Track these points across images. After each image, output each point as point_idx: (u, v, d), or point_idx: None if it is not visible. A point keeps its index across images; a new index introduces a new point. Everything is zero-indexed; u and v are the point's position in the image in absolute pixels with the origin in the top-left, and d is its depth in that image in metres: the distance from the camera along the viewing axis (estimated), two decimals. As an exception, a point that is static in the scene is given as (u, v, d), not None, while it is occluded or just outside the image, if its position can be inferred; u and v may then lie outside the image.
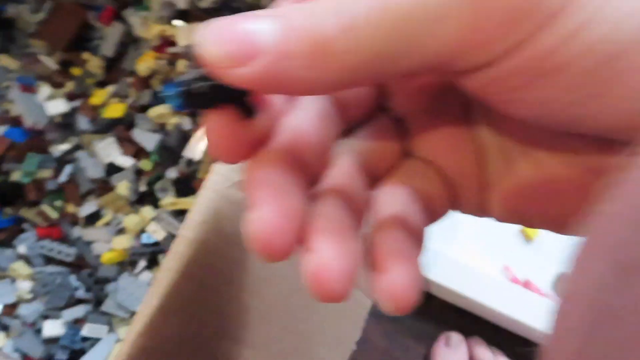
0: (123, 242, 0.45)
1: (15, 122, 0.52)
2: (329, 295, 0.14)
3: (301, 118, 0.16)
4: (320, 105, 0.17)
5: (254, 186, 0.15)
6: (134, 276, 0.44)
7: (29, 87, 0.55)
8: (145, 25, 0.59)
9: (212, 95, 0.14)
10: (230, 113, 0.15)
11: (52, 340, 0.42)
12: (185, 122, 0.53)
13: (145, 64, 0.56)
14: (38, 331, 0.42)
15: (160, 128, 0.51)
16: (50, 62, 0.57)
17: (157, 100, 0.54)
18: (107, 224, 0.47)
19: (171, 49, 0.57)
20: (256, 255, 0.15)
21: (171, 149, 0.50)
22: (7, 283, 0.44)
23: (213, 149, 0.15)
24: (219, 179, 0.31)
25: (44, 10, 0.61)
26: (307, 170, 0.16)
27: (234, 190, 0.30)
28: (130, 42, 0.59)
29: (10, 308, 0.43)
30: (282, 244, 0.14)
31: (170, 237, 0.46)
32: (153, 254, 0.46)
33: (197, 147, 0.51)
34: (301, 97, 0.17)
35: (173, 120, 0.53)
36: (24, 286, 0.44)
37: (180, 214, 0.47)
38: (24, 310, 0.43)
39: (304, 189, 0.15)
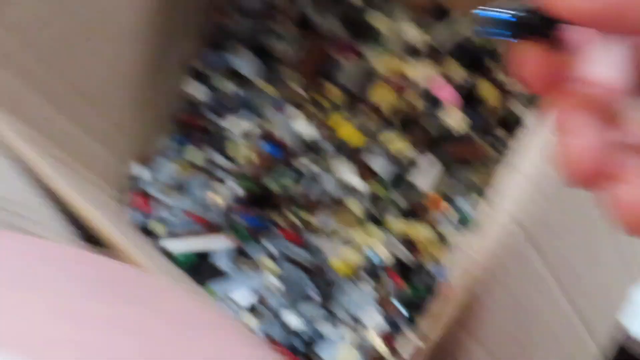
0: (351, 256, 0.50)
1: (271, 138, 0.61)
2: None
3: (603, 65, 0.17)
4: (621, 57, 0.18)
5: (563, 117, 0.17)
6: (359, 287, 0.49)
7: (280, 109, 0.64)
8: (381, 61, 0.65)
9: (528, 24, 0.16)
10: (542, 44, 0.17)
11: (293, 331, 0.48)
12: (413, 153, 0.57)
13: (380, 96, 0.62)
14: (281, 320, 0.49)
15: (392, 157, 0.56)
16: (299, 89, 0.66)
17: (389, 129, 0.58)
18: (340, 237, 0.53)
19: (404, 84, 0.61)
20: (564, 178, 0.16)
21: (401, 177, 0.54)
22: (259, 274, 0.52)
23: (520, 76, 0.17)
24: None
25: (297, 43, 0.70)
26: (604, 114, 0.17)
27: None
28: (367, 75, 0.65)
29: (262, 298, 0.51)
30: (588, 167, 0.16)
31: (394, 258, 0.50)
32: (377, 271, 0.50)
33: (423, 176, 0.55)
34: (604, 44, 0.18)
35: (403, 150, 0.57)
36: (272, 280, 0.51)
37: (404, 238, 0.51)
38: (271, 300, 0.50)
39: (603, 130, 0.17)
